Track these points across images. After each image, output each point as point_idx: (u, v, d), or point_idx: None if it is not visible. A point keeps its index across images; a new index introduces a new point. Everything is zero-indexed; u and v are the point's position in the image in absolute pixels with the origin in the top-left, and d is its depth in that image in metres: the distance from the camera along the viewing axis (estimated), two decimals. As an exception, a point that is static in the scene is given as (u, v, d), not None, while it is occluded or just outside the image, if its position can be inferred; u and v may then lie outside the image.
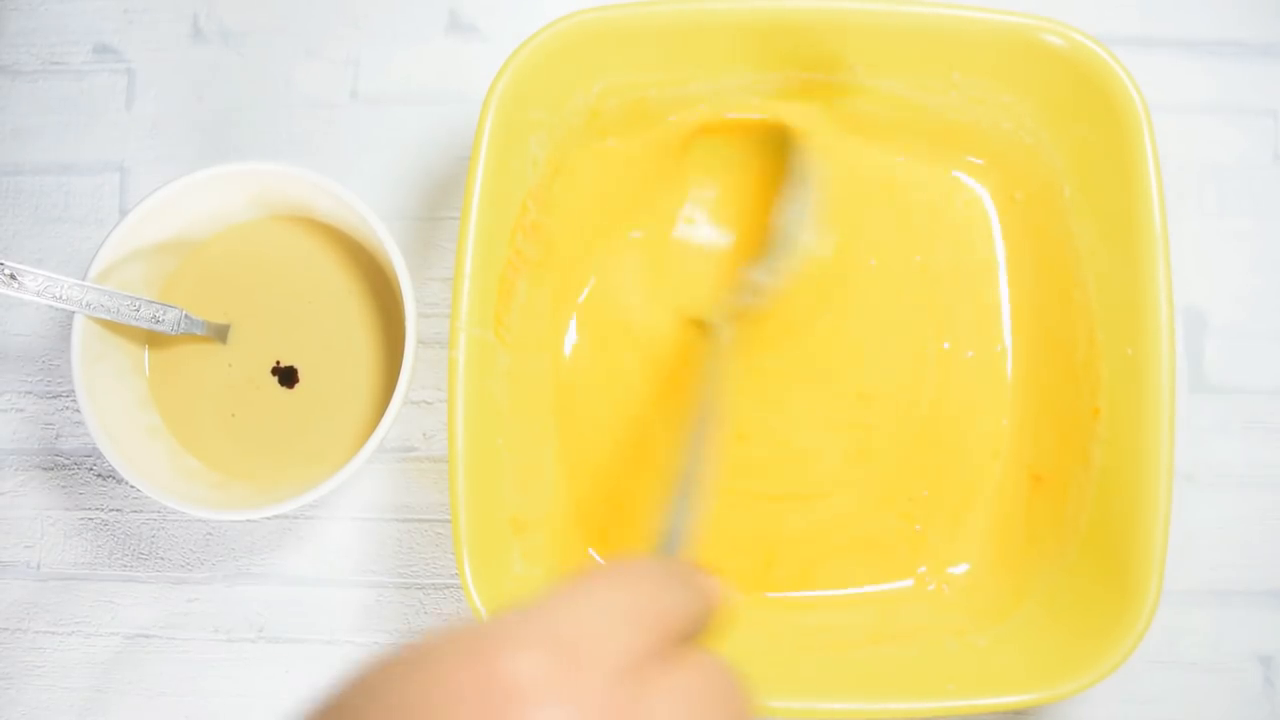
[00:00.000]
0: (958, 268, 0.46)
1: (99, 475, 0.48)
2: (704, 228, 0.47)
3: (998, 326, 0.45)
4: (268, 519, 0.47)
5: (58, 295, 0.41)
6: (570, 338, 0.46)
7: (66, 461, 0.48)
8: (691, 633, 0.26)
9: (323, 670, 0.46)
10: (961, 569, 0.44)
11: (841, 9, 0.41)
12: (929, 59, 0.42)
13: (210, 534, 0.48)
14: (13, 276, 0.40)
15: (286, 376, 0.45)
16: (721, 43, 0.42)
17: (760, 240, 0.46)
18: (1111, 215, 0.41)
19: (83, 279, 0.41)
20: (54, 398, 0.49)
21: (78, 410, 0.47)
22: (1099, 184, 0.41)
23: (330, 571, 0.47)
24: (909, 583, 0.45)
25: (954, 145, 0.45)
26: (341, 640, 0.47)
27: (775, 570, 0.45)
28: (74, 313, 0.42)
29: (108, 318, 0.42)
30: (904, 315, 0.46)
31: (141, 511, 0.48)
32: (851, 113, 0.45)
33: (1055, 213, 0.43)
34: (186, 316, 0.44)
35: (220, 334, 0.45)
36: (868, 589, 0.44)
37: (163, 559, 0.48)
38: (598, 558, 0.45)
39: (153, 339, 0.46)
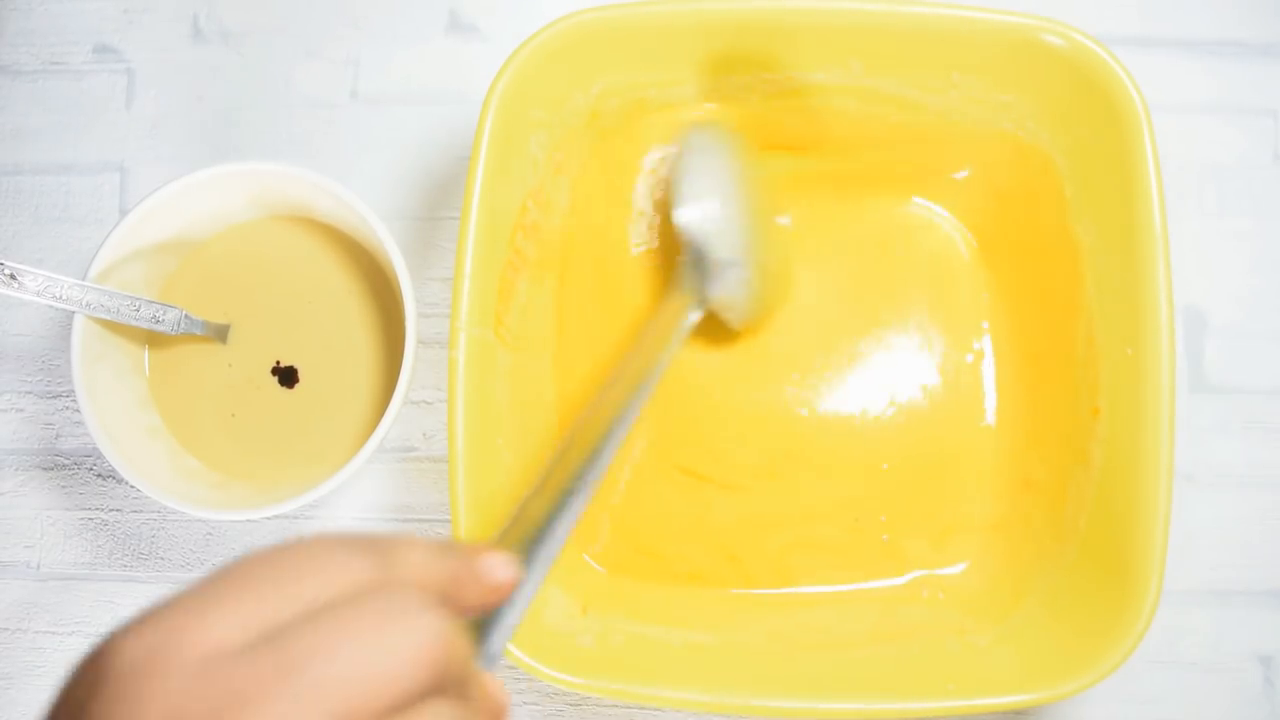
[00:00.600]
0: (939, 269, 0.46)
1: (99, 475, 0.48)
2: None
3: (978, 329, 0.45)
4: (268, 519, 0.47)
5: (58, 295, 0.41)
6: (568, 338, 0.46)
7: (66, 461, 0.48)
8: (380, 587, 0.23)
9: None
10: (959, 569, 0.44)
11: (842, 9, 0.41)
12: (929, 59, 0.42)
13: (210, 534, 0.48)
14: (13, 276, 0.40)
15: (286, 376, 0.45)
16: (721, 43, 0.42)
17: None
18: (1111, 215, 0.41)
19: (83, 279, 0.41)
20: (54, 398, 0.49)
21: (78, 410, 0.47)
22: (1099, 184, 0.41)
23: (330, 571, 0.47)
24: (899, 580, 0.44)
25: (954, 145, 0.45)
26: (341, 640, 0.47)
27: (744, 566, 0.44)
28: (74, 313, 0.42)
29: (108, 318, 0.42)
30: (885, 318, 0.46)
31: (141, 511, 0.48)
32: (852, 112, 0.45)
33: (1056, 212, 0.43)
34: (186, 316, 0.44)
35: (220, 334, 0.45)
36: (854, 586, 0.44)
37: (163, 559, 0.48)
38: (594, 565, 0.45)
39: (153, 339, 0.46)
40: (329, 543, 0.23)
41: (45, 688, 0.47)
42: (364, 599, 0.22)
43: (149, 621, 0.22)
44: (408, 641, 0.22)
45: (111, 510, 0.48)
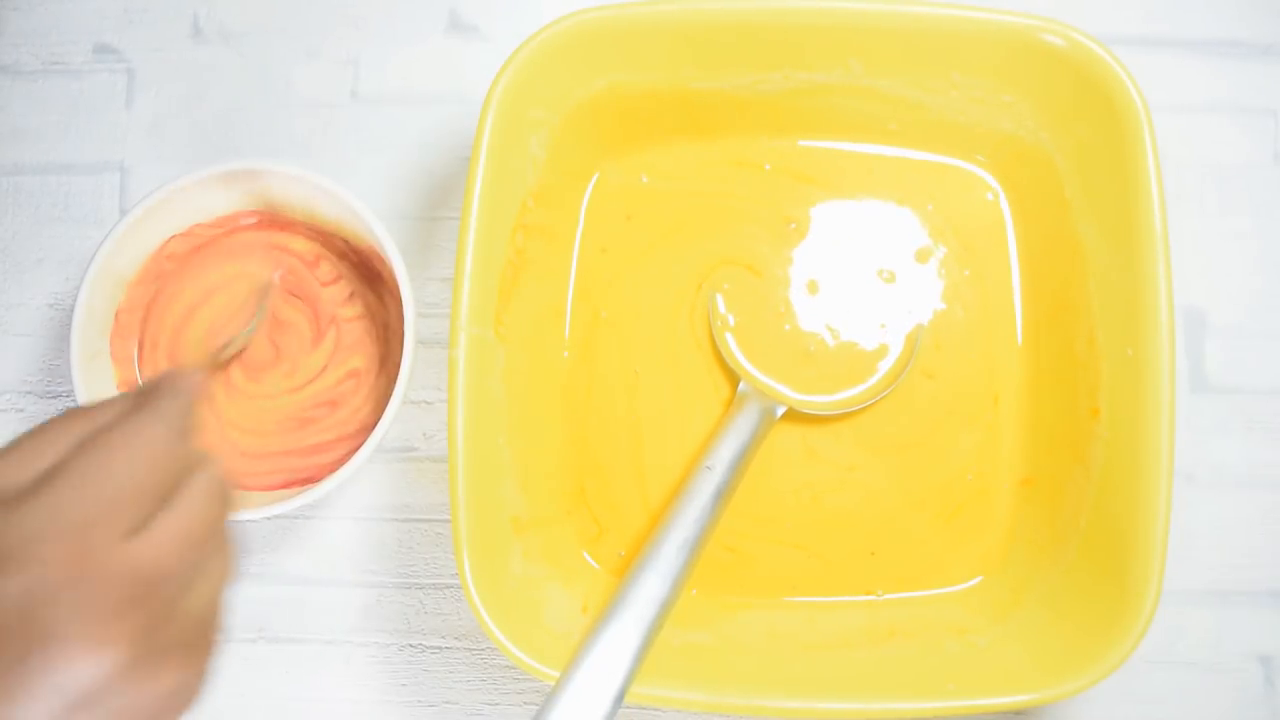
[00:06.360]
0: (972, 268, 0.46)
1: (99, 475, 0.48)
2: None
3: (1011, 328, 0.45)
4: (268, 519, 0.47)
5: None
6: (571, 338, 0.46)
7: (66, 461, 0.48)
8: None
9: (323, 670, 0.46)
10: (974, 582, 0.44)
11: (841, 9, 0.41)
12: (929, 59, 0.42)
13: (210, 534, 0.47)
14: None
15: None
16: (721, 42, 0.42)
17: None
18: (1111, 215, 0.41)
19: (82, 279, 0.41)
20: (54, 398, 0.49)
21: (78, 410, 0.46)
22: (1099, 184, 0.41)
23: (330, 571, 0.47)
24: (903, 595, 0.44)
25: (954, 145, 0.45)
26: (341, 640, 0.47)
27: (744, 570, 0.45)
28: (73, 312, 0.42)
29: None
30: (893, 332, 0.46)
31: (141, 511, 0.48)
32: (852, 112, 0.45)
33: (1056, 212, 0.43)
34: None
35: (220, 334, 0.45)
36: (854, 599, 0.44)
37: (163, 559, 0.47)
38: (590, 560, 0.45)
39: (153, 339, 0.46)
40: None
41: (45, 688, 0.47)
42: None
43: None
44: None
45: (111, 510, 0.48)
